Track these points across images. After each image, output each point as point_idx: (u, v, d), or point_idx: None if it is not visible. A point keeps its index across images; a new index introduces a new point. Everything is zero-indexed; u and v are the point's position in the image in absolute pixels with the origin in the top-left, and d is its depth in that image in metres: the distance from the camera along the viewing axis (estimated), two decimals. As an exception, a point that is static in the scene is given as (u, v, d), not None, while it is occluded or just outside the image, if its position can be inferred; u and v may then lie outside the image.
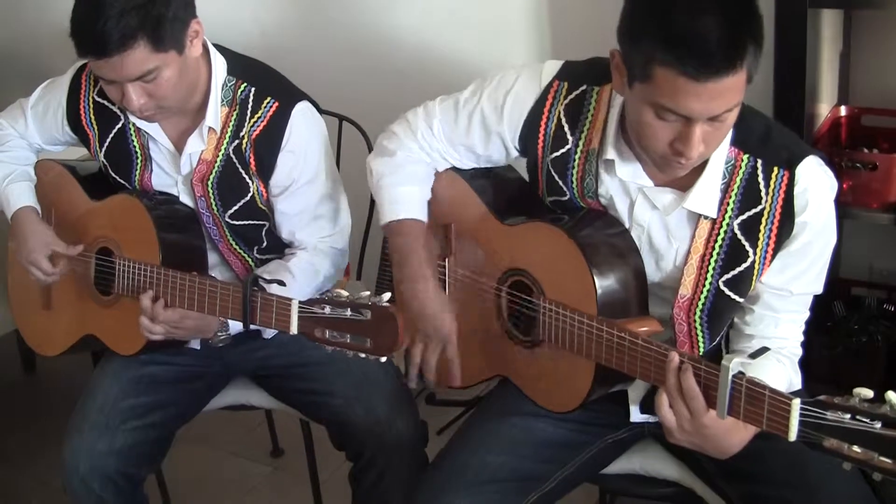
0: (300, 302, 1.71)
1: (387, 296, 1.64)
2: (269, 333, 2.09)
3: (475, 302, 1.87)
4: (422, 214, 1.90)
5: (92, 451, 1.99)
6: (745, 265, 1.66)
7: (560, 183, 1.79)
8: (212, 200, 2.05)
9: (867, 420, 1.31)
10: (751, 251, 1.65)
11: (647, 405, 1.79)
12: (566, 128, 1.77)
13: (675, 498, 1.91)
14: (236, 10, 3.14)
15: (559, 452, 1.84)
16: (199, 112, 2.02)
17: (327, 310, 1.67)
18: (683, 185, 1.68)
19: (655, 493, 1.94)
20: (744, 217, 1.65)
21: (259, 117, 2.01)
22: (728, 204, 1.66)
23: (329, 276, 2.12)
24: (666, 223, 1.71)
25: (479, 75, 1.91)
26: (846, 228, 2.42)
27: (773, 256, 1.65)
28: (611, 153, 1.70)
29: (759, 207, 1.64)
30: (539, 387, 1.83)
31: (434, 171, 1.94)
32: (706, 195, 1.65)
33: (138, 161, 2.09)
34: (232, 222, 2.08)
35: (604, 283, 1.68)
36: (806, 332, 1.76)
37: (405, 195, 1.90)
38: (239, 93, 2.02)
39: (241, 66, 2.05)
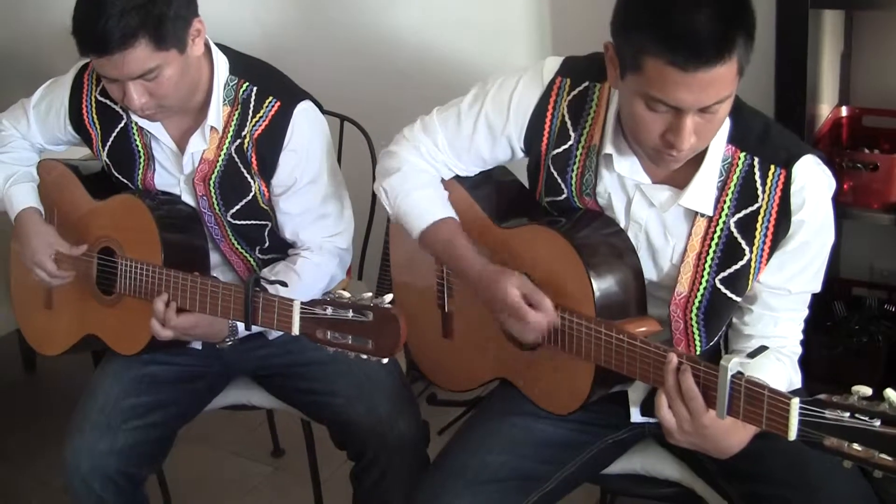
0: (302, 303, 1.71)
1: (389, 297, 1.63)
2: (273, 334, 2.09)
3: (475, 305, 1.87)
4: (448, 212, 1.87)
5: (93, 451, 1.99)
6: (741, 263, 1.66)
7: (559, 181, 1.80)
8: (214, 200, 2.05)
9: (866, 418, 1.31)
10: (747, 249, 1.65)
11: (647, 408, 1.80)
12: (569, 124, 1.77)
13: (676, 498, 1.91)
14: (237, 9, 3.15)
15: (560, 452, 1.84)
16: (202, 111, 2.02)
17: (329, 311, 1.67)
18: (680, 182, 1.68)
19: (656, 494, 1.94)
20: (740, 215, 1.65)
21: (261, 116, 2.01)
22: (724, 202, 1.66)
23: (335, 275, 2.13)
24: (663, 220, 1.72)
25: (480, 75, 1.91)
26: (847, 229, 2.42)
27: (770, 255, 1.66)
28: (609, 148, 1.70)
29: (756, 205, 1.64)
30: (539, 388, 1.83)
31: (441, 178, 1.93)
32: (702, 193, 1.66)
33: (141, 160, 2.09)
34: (234, 222, 2.08)
35: (601, 285, 1.68)
36: (805, 331, 1.76)
37: (423, 201, 1.87)
38: (241, 92, 2.02)
39: (243, 65, 2.05)
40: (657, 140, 1.55)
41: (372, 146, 2.50)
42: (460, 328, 1.99)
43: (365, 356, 1.66)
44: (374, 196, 2.48)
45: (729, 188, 1.66)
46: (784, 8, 2.09)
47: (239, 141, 2.02)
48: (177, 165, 2.08)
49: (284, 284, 1.88)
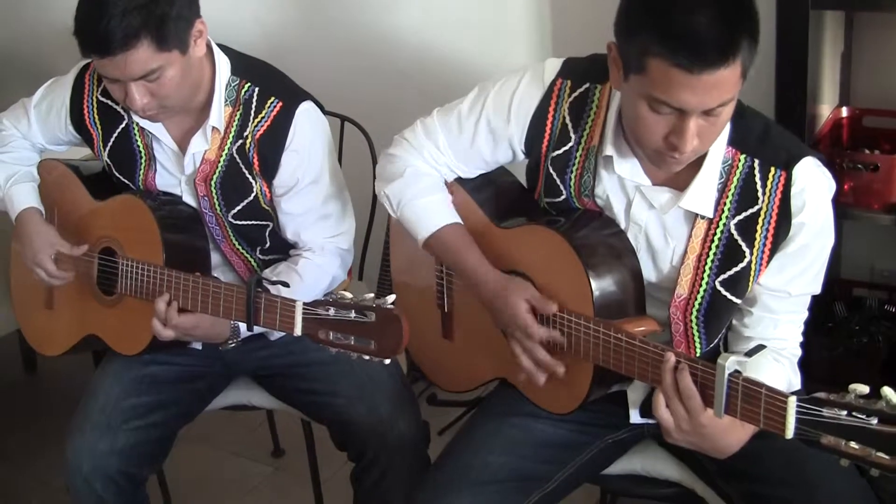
0: (304, 304, 1.71)
1: (391, 298, 1.63)
2: (275, 335, 2.09)
3: (475, 305, 1.87)
4: (452, 217, 1.87)
5: (94, 451, 2.00)
6: (741, 265, 1.66)
7: (558, 182, 1.80)
8: (215, 200, 2.05)
9: (863, 416, 1.31)
10: (747, 251, 1.65)
11: (647, 410, 1.80)
12: (570, 125, 1.77)
13: (676, 498, 1.91)
14: (237, 10, 3.15)
15: (560, 453, 1.84)
16: (203, 112, 2.02)
17: (331, 311, 1.66)
18: (680, 184, 1.68)
19: (656, 494, 1.94)
20: (740, 217, 1.65)
21: (263, 117, 2.01)
22: (725, 204, 1.66)
23: (337, 276, 2.13)
24: (663, 222, 1.72)
25: (481, 75, 1.91)
26: (847, 229, 2.42)
27: (770, 257, 1.65)
28: (609, 149, 1.70)
29: (756, 208, 1.64)
30: (538, 388, 1.83)
31: (444, 181, 1.93)
32: (703, 195, 1.66)
33: (142, 161, 2.09)
34: (235, 222, 2.08)
35: (600, 285, 1.68)
36: (805, 333, 1.76)
37: (428, 206, 1.87)
38: (243, 92, 2.02)
39: (244, 65, 2.05)
40: (660, 142, 1.55)
41: (372, 146, 2.50)
42: (460, 328, 1.99)
43: (367, 357, 1.66)
44: (374, 197, 2.48)
45: (729, 190, 1.66)
46: (784, 8, 2.09)
47: (241, 141, 2.02)
48: (178, 166, 2.08)
49: (286, 285, 1.88)
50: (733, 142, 1.65)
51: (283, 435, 2.96)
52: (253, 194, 2.05)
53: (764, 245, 1.65)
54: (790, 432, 1.38)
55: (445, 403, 2.93)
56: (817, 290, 1.71)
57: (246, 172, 2.03)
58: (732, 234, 1.66)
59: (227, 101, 2.01)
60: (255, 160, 2.02)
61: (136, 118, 2.04)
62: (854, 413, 1.31)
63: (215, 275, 2.10)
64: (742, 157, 1.65)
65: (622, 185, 1.73)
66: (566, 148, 1.78)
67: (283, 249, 2.15)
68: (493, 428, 1.85)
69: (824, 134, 2.36)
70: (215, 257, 2.13)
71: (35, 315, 2.31)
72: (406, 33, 2.97)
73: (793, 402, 1.37)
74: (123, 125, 2.09)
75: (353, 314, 1.65)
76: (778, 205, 1.63)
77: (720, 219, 1.66)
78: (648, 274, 1.75)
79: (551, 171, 1.80)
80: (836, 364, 2.39)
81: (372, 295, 1.66)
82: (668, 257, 1.73)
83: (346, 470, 2.17)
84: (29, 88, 2.25)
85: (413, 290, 2.07)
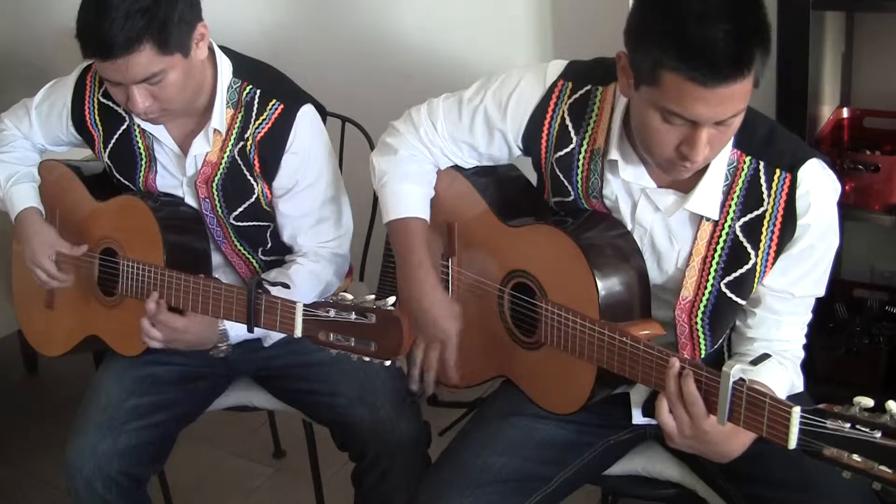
0: (305, 305, 1.71)
1: (392, 299, 1.63)
2: (269, 341, 2.09)
3: (478, 302, 1.88)
4: (424, 213, 1.91)
5: (95, 452, 1.99)
6: (746, 267, 1.66)
7: (565, 183, 1.80)
8: (216, 202, 2.06)
9: (867, 429, 1.31)
10: (752, 253, 1.65)
11: (649, 409, 1.80)
12: (570, 127, 1.77)
13: (677, 499, 1.91)
14: (238, 11, 3.15)
15: (561, 453, 1.84)
16: (205, 114, 2.02)
17: (332, 313, 1.66)
18: (685, 186, 1.68)
19: (657, 495, 1.94)
20: (746, 219, 1.65)
21: (264, 119, 2.01)
22: (730, 206, 1.66)
23: (331, 282, 2.12)
24: (668, 225, 1.72)
25: (482, 76, 1.91)
26: (848, 230, 2.40)
27: (775, 259, 1.65)
28: (614, 154, 1.70)
29: (761, 210, 1.64)
30: (541, 388, 1.83)
31: (436, 169, 1.94)
32: (708, 197, 1.66)
33: (142, 162, 2.09)
34: (236, 224, 2.08)
35: (606, 286, 1.68)
36: (808, 335, 1.76)
37: (407, 193, 1.91)
38: (244, 95, 2.02)
39: (246, 67, 2.05)
40: (671, 152, 1.55)
41: (373, 147, 2.49)
42: (462, 327, 1.99)
43: (368, 358, 1.66)
44: (375, 198, 2.48)
45: (734, 192, 1.66)
46: (785, 9, 2.10)
47: (242, 143, 2.02)
48: (179, 167, 2.08)
49: (287, 286, 1.88)
50: (738, 144, 1.65)
51: (284, 436, 2.96)
52: (254, 196, 2.05)
53: (769, 247, 1.65)
54: (793, 443, 1.38)
55: (446, 404, 2.93)
56: (821, 292, 1.72)
57: (247, 174, 2.03)
58: (738, 237, 1.66)
59: (228, 103, 2.01)
60: (256, 162, 2.02)
61: (137, 120, 2.04)
62: (858, 426, 1.31)
63: (217, 276, 2.10)
64: (747, 159, 1.65)
65: (627, 187, 1.73)
66: (568, 149, 1.78)
67: (285, 251, 2.15)
68: (494, 428, 1.85)
69: (825, 135, 2.36)
70: (217, 258, 2.13)
71: (36, 316, 2.31)
72: (407, 35, 2.97)
73: (797, 412, 1.37)
74: (124, 126, 2.09)
75: (353, 316, 1.64)
76: (783, 206, 1.63)
77: (725, 221, 1.66)
78: (654, 276, 1.75)
79: (557, 171, 1.80)
80: (837, 365, 2.39)
81: (373, 296, 1.66)
82: (674, 259, 1.73)
83: (347, 470, 2.17)
84: (30, 89, 2.25)
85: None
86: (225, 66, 2.02)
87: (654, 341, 1.60)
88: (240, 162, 2.03)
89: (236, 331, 1.98)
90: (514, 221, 1.86)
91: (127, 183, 2.13)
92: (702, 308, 1.69)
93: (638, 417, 1.84)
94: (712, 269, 1.68)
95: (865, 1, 2.21)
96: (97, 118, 2.11)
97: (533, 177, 1.92)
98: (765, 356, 1.53)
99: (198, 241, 2.09)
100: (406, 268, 1.88)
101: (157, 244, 1.99)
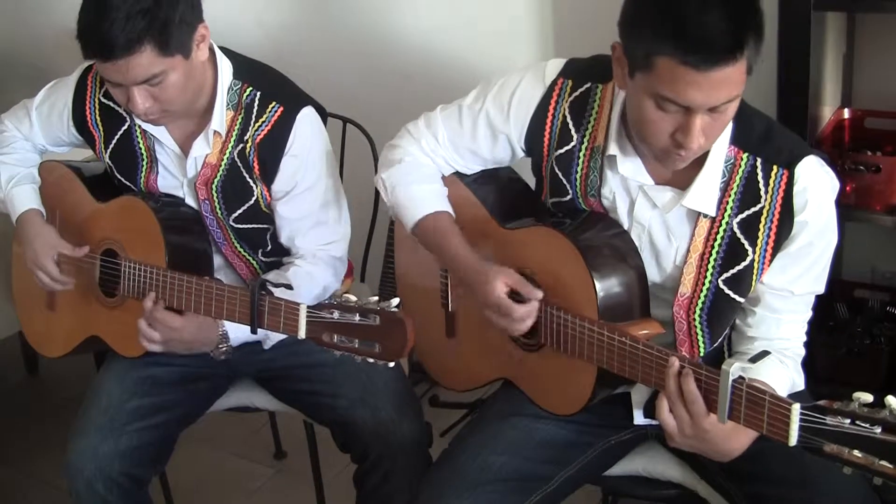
0: (308, 306, 1.70)
1: (395, 301, 1.63)
2: (269, 343, 2.08)
3: (478, 305, 1.87)
4: (441, 207, 1.89)
5: (96, 453, 1.99)
6: (744, 264, 1.66)
7: (564, 181, 1.80)
8: (216, 204, 2.06)
9: (867, 425, 1.31)
10: (750, 250, 1.65)
11: (650, 410, 1.80)
12: (571, 125, 1.77)
13: (678, 500, 1.91)
14: (239, 12, 3.15)
15: (561, 453, 1.84)
16: (205, 115, 2.02)
17: (336, 314, 1.66)
18: (683, 183, 1.68)
19: (658, 495, 1.94)
20: (743, 216, 1.66)
21: (264, 121, 2.01)
22: (727, 202, 1.66)
23: (328, 285, 2.11)
24: (666, 222, 1.72)
25: (484, 77, 1.91)
26: (849, 230, 2.42)
27: (773, 256, 1.66)
28: (613, 148, 1.71)
29: (759, 206, 1.64)
30: (541, 389, 1.83)
31: (441, 174, 1.94)
32: (705, 193, 1.66)
33: (143, 163, 2.09)
34: (236, 226, 2.08)
35: (605, 287, 1.69)
36: (808, 333, 1.76)
37: (421, 193, 1.89)
38: (244, 97, 2.02)
39: (246, 69, 2.05)
40: (666, 140, 1.56)
41: (375, 148, 2.50)
42: (463, 328, 1.99)
43: (372, 360, 1.66)
44: (376, 198, 2.48)
45: (732, 189, 1.66)
46: (786, 10, 2.10)
47: (241, 145, 2.02)
48: (180, 169, 2.08)
49: (290, 287, 1.87)
50: (736, 140, 1.65)
51: (286, 437, 2.96)
52: (253, 198, 2.05)
53: (766, 243, 1.65)
54: (793, 440, 1.38)
55: (448, 405, 2.93)
56: (821, 289, 1.72)
57: (246, 176, 2.03)
58: (735, 233, 1.66)
59: (228, 104, 2.01)
60: (255, 164, 2.02)
61: (138, 121, 2.04)
62: (858, 422, 1.31)
63: (218, 277, 2.10)
64: (744, 155, 1.66)
65: (626, 185, 1.74)
66: (568, 147, 1.78)
67: (285, 253, 2.15)
68: (495, 429, 1.85)
69: (826, 135, 2.36)
70: (217, 260, 2.13)
71: (37, 316, 2.31)
72: (408, 35, 2.97)
73: (796, 409, 1.37)
74: (125, 127, 2.09)
75: (357, 317, 1.64)
76: (780, 203, 1.63)
77: (723, 217, 1.66)
78: (652, 273, 1.75)
79: (556, 170, 1.80)
80: (838, 365, 2.39)
81: (376, 298, 1.65)
82: (672, 257, 1.73)
83: (349, 471, 2.17)
84: (30, 90, 2.25)
85: (417, 289, 2.07)
86: (225, 67, 2.02)
87: (654, 340, 1.61)
88: (239, 164, 2.03)
89: (237, 332, 1.97)
90: (512, 224, 1.86)
91: (128, 183, 2.13)
92: (700, 305, 1.70)
93: (639, 418, 1.85)
94: (710, 266, 1.68)
95: (866, 1, 2.21)
96: (98, 119, 2.11)
97: (531, 181, 1.92)
98: (764, 353, 1.54)
99: (199, 242, 2.09)
100: (450, 265, 1.87)
101: (158, 245, 1.99)
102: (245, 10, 3.17)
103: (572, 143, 1.78)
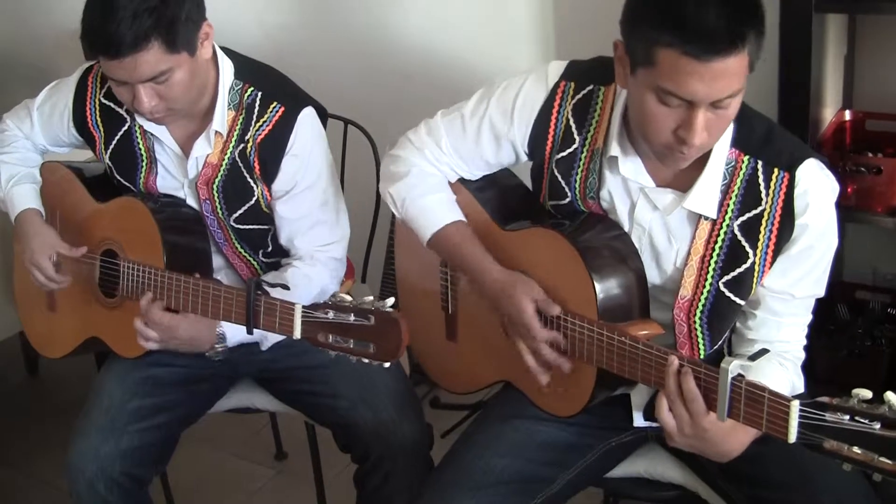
0: (304, 306, 1.70)
1: (390, 300, 1.63)
2: (266, 344, 2.08)
3: (479, 307, 1.87)
4: (454, 216, 1.88)
5: (98, 454, 1.99)
6: (744, 266, 1.66)
7: (563, 184, 1.80)
8: (217, 204, 2.06)
9: (866, 421, 1.31)
10: (750, 252, 1.65)
11: (650, 413, 1.80)
12: (574, 127, 1.77)
13: (679, 501, 1.91)
14: (240, 12, 3.15)
15: (563, 455, 1.84)
16: (206, 115, 2.02)
17: (331, 314, 1.66)
18: (683, 185, 1.68)
19: (659, 497, 1.94)
20: (744, 218, 1.65)
21: (265, 121, 2.01)
22: (728, 205, 1.66)
23: (325, 286, 2.10)
24: (667, 224, 1.72)
25: (485, 78, 1.92)
26: (850, 232, 2.42)
27: (774, 258, 1.66)
28: (614, 149, 1.70)
29: (760, 209, 1.64)
30: (542, 391, 1.83)
31: (448, 181, 1.93)
32: (706, 195, 1.66)
33: (143, 164, 2.09)
34: (237, 226, 2.08)
35: (604, 288, 1.69)
36: (809, 336, 1.76)
37: (432, 204, 1.88)
38: (245, 97, 2.02)
39: (248, 69, 2.05)
40: (669, 136, 1.55)
41: (376, 149, 2.50)
42: (464, 331, 1.99)
43: (367, 360, 1.66)
44: (377, 199, 2.48)
45: (732, 191, 1.66)
46: (787, 12, 2.10)
47: (242, 145, 2.02)
48: (181, 169, 2.08)
49: (287, 287, 1.87)
50: (737, 143, 1.65)
51: (286, 437, 2.96)
52: (254, 198, 2.05)
53: (767, 246, 1.65)
54: (793, 437, 1.38)
55: (449, 406, 2.93)
56: (821, 292, 1.72)
57: (247, 176, 2.03)
58: (736, 235, 1.66)
59: (230, 104, 2.01)
60: (256, 164, 2.02)
61: (139, 121, 2.04)
62: (857, 418, 1.31)
63: (218, 278, 2.10)
64: (745, 158, 1.65)
65: (626, 187, 1.74)
66: (570, 150, 1.78)
67: (285, 254, 2.15)
68: (496, 430, 1.85)
69: (827, 137, 2.36)
70: (218, 260, 2.13)
71: (38, 317, 2.31)
72: (410, 36, 2.97)
73: (795, 406, 1.37)
74: (126, 128, 2.09)
75: (352, 317, 1.64)
76: (781, 206, 1.63)
77: (723, 220, 1.66)
78: (652, 276, 1.75)
79: (556, 173, 1.80)
80: (839, 367, 2.39)
81: (372, 298, 1.65)
82: (672, 259, 1.73)
83: (349, 472, 2.17)
84: (31, 90, 2.26)
85: (418, 291, 2.07)
86: (227, 67, 2.02)
87: (653, 342, 1.61)
88: (240, 164, 2.03)
89: (234, 333, 1.97)
90: (512, 226, 1.86)
91: (127, 184, 2.13)
92: (700, 307, 1.70)
93: (639, 420, 1.84)
94: (710, 268, 1.68)
95: (867, 3, 2.21)
96: (98, 119, 2.12)
97: (527, 181, 1.91)
98: (763, 351, 1.54)
99: (198, 242, 2.09)
100: (473, 277, 1.85)
101: (156, 246, 1.99)
102: (245, 10, 3.17)
103: (574, 146, 1.78)
